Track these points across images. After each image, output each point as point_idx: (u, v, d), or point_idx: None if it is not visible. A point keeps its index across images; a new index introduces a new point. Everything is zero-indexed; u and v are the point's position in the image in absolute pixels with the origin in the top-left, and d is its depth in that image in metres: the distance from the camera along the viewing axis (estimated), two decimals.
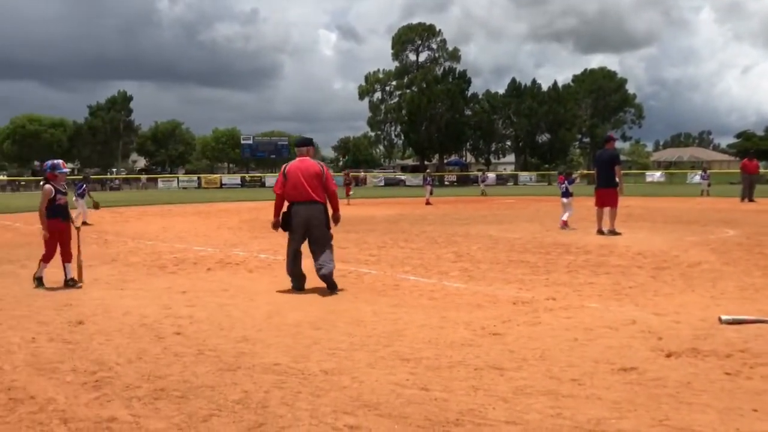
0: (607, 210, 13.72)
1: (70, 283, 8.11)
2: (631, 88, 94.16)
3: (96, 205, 18.30)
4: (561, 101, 78.63)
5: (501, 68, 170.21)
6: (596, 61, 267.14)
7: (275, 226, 8.07)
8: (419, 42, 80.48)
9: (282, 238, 8.43)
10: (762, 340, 5.12)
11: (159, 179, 68.48)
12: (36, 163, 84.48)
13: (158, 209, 27.12)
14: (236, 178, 69.26)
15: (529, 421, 3.51)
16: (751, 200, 26.16)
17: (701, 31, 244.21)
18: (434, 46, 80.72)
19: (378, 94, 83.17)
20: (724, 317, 5.75)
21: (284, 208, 7.96)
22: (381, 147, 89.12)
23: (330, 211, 7.99)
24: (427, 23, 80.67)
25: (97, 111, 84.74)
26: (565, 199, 15.46)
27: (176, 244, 13.11)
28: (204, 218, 20.92)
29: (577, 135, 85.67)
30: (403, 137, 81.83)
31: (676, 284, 7.81)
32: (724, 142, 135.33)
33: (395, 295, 7.37)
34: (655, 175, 66.28)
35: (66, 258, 8.26)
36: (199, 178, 68.25)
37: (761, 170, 40.28)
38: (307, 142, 8.23)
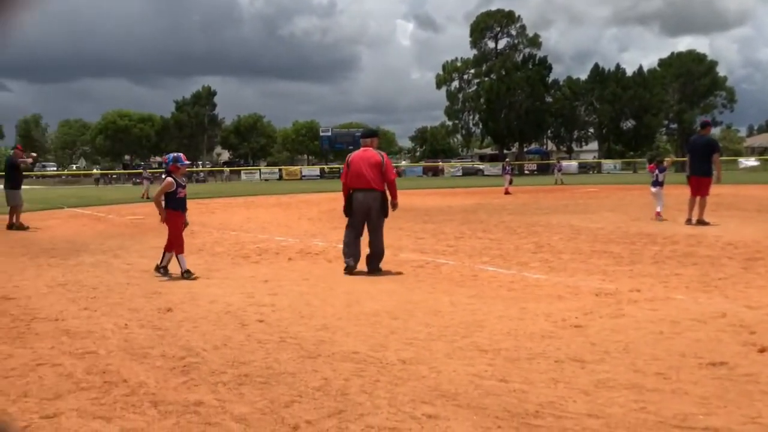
0: (697, 199, 13.14)
1: (185, 275, 8.15)
2: (721, 71, 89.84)
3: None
4: (647, 86, 75.80)
5: (583, 53, 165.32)
6: (684, 43, 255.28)
7: (345, 210, 8.66)
8: (498, 29, 79.29)
9: None
10: None
11: (242, 171, 70.38)
12: (126, 157, 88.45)
13: (242, 200, 27.88)
14: (315, 170, 70.34)
15: (611, 415, 3.43)
16: None
17: None
18: (513, 32, 79.36)
19: (456, 83, 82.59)
20: None
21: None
22: (459, 136, 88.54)
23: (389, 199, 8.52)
24: (506, 9, 79.30)
25: (183, 106, 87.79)
26: (654, 189, 14.74)
27: (259, 234, 13.46)
28: (285, 209, 21.38)
29: (663, 121, 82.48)
30: (481, 126, 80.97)
31: None
32: None
33: (473, 286, 7.33)
34: (749, 162, 63.01)
35: (179, 249, 8.35)
36: (280, 169, 69.72)
37: None
38: (371, 134, 8.95)
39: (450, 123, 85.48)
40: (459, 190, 34.56)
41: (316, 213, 19.42)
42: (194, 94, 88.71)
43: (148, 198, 26.43)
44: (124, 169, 75.12)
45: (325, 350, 4.81)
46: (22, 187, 15.56)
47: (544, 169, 68.45)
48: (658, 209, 14.36)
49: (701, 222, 12.82)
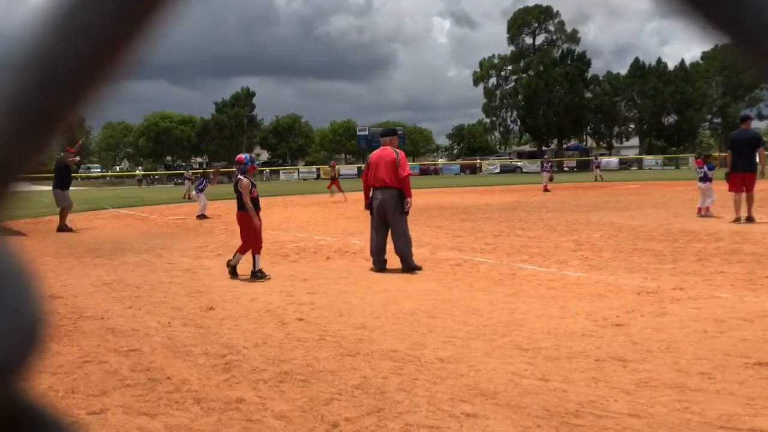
0: (743, 196, 12.78)
1: (258, 275, 8.09)
2: None
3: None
4: (689, 80, 74.11)
5: (623, 48, 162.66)
6: None
7: (367, 208, 8.98)
8: (536, 25, 78.49)
9: None
10: None
11: (281, 171, 71.00)
12: (168, 158, 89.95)
13: (280, 200, 28.14)
14: (353, 169, 70.61)
15: (653, 415, 3.38)
16: None
17: None
18: (551, 28, 78.47)
19: (493, 80, 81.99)
20: None
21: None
22: (496, 133, 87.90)
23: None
24: (544, 5, 78.42)
25: (223, 107, 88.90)
26: (702, 185, 14.35)
27: (297, 233, 13.58)
28: (323, 208, 21.51)
29: (706, 115, 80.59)
30: (519, 123, 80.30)
31: None
32: None
33: (512, 285, 7.28)
34: None
35: (257, 249, 8.27)
36: (318, 169, 70.14)
37: None
38: (390, 133, 9.21)
39: (488, 120, 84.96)
40: (497, 187, 34.32)
41: (354, 212, 19.48)
42: (233, 95, 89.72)
43: (189, 198, 26.87)
44: (166, 169, 76.38)
45: (363, 348, 4.83)
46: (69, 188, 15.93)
47: (583, 166, 67.54)
48: (707, 204, 14.01)
49: (750, 219, 12.49)
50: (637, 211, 16.33)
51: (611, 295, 6.48)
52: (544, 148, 76.23)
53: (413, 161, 79.08)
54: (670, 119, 76.56)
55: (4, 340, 0.25)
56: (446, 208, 19.61)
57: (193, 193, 18.59)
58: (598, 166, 42.56)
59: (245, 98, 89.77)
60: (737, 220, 12.63)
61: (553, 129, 75.62)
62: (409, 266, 8.36)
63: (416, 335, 5.18)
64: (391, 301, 6.53)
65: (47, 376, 4.33)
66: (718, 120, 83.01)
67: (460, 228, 13.49)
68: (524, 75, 77.63)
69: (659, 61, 77.08)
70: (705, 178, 14.25)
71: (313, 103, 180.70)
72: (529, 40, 79.36)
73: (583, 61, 76.40)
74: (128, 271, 8.93)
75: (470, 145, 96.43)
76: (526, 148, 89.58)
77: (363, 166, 9.55)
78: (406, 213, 8.60)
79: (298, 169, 72.84)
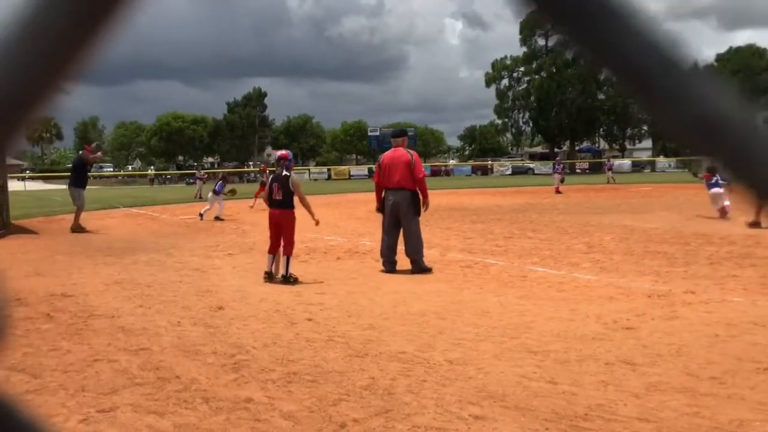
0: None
1: (290, 280, 7.80)
2: None
3: (233, 191, 19.92)
4: None
5: None
6: (743, 37, 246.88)
7: (378, 210, 8.96)
8: (548, 26, 78.22)
9: None
10: None
11: (291, 171, 71.04)
12: (180, 157, 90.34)
13: None
14: (363, 170, 70.58)
15: (663, 419, 3.35)
16: None
17: None
18: None
19: (505, 81, 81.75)
20: None
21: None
22: (508, 135, 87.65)
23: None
24: None
25: (235, 108, 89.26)
26: (713, 190, 14.11)
27: (307, 233, 13.58)
28: (333, 208, 21.54)
29: None
30: (531, 124, 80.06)
31: None
32: None
33: (522, 287, 7.26)
34: None
35: (287, 250, 8.00)
36: (328, 169, 70.21)
37: None
38: (401, 133, 9.18)
39: (500, 121, 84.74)
40: (509, 189, 34.22)
41: (364, 212, 19.49)
42: (245, 95, 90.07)
43: (200, 198, 26.97)
44: (178, 169, 76.71)
45: (372, 349, 4.83)
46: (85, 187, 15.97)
47: (596, 168, 67.21)
48: (723, 204, 13.86)
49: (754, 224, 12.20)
50: (650, 213, 16.24)
51: (622, 298, 6.44)
52: (556, 149, 75.92)
53: (424, 162, 79.00)
54: None
55: None
56: (457, 209, 19.58)
57: (210, 194, 18.74)
58: (610, 168, 42.28)
59: (257, 98, 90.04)
60: (755, 224, 12.23)
61: (566, 131, 75.33)
62: (419, 267, 8.35)
63: (425, 337, 5.18)
64: (400, 302, 6.53)
65: (58, 374, 4.36)
66: None
67: (471, 229, 13.46)
68: (537, 76, 77.40)
69: None
70: (715, 185, 14.05)
71: (324, 104, 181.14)
72: (541, 42, 79.11)
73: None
74: (139, 270, 8.97)
75: (482, 147, 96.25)
76: (538, 149, 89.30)
77: (374, 167, 9.49)
78: (420, 213, 8.60)
79: (308, 170, 72.94)
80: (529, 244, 10.88)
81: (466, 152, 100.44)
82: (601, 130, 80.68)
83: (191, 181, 50.60)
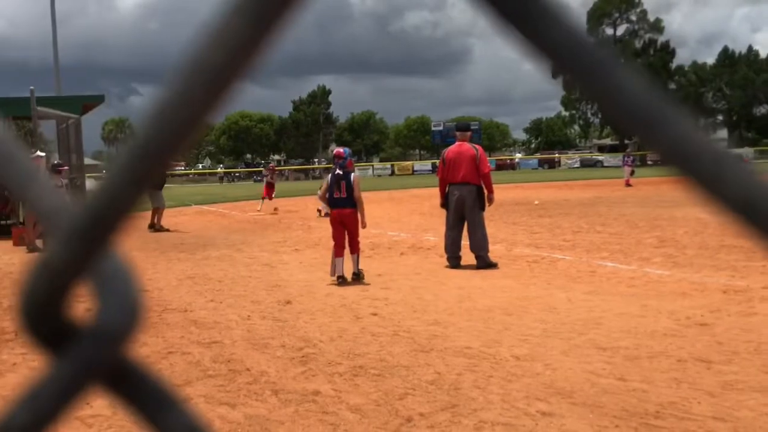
0: None
1: (360, 276, 7.71)
2: None
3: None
4: None
5: (710, 36, 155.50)
6: None
7: (442, 205, 8.90)
8: (617, 15, 76.18)
9: None
10: None
11: (356, 167, 71.61)
12: (248, 155, 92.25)
13: None
14: (427, 165, 70.47)
15: (739, 419, 3.24)
16: None
17: None
18: (633, 18, 75.93)
19: None
20: None
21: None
22: (576, 127, 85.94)
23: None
24: None
25: (300, 105, 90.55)
26: None
27: (372, 229, 13.66)
28: (397, 204, 21.60)
29: None
30: (600, 116, 78.20)
31: None
32: None
33: (591, 282, 7.12)
34: None
35: (354, 249, 7.85)
36: (392, 165, 70.45)
37: None
38: (466, 127, 9.13)
39: (567, 113, 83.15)
40: (576, 182, 33.56)
41: (428, 208, 19.46)
42: (310, 93, 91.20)
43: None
44: (246, 167, 78.35)
45: (437, 345, 4.84)
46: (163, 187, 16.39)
47: None
48: None
49: None
50: None
51: (696, 294, 6.24)
52: (626, 141, 73.87)
53: (489, 156, 78.26)
54: (762, 110, 72.82)
55: (115, 315, 0.31)
56: (523, 203, 19.33)
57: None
58: None
59: (322, 96, 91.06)
60: None
61: None
62: (484, 263, 8.30)
63: (491, 332, 5.15)
64: (465, 298, 6.51)
65: None
66: None
67: (538, 224, 13.27)
68: None
69: (750, 49, 73.44)
70: None
71: (387, 100, 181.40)
72: (610, 31, 77.12)
73: (667, 51, 73.65)
74: (210, 266, 9.24)
75: (548, 139, 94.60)
76: (608, 141, 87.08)
77: (437, 161, 9.44)
78: (485, 208, 8.55)
79: (372, 166, 73.34)
80: (598, 239, 10.65)
81: (532, 145, 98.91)
82: None
83: (259, 178, 51.59)
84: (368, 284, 7.46)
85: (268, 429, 3.42)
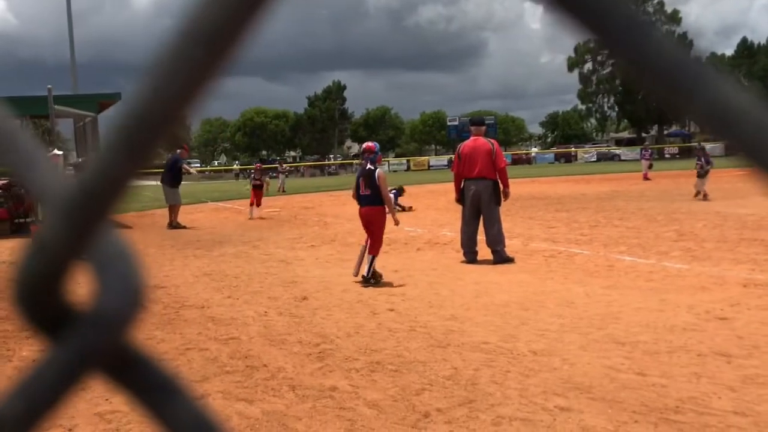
0: None
1: (369, 281, 7.26)
2: None
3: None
4: None
5: (729, 27, 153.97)
6: None
7: (457, 201, 8.87)
8: (634, 6, 75.51)
9: None
10: None
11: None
12: (263, 152, 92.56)
13: None
14: (443, 160, 70.28)
15: (760, 413, 3.19)
16: None
17: None
18: (650, 9, 75.16)
19: (589, 65, 79.44)
20: None
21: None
22: (593, 120, 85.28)
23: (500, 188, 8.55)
24: None
25: (315, 101, 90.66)
26: None
27: (387, 224, 13.67)
28: (413, 199, 21.53)
29: None
30: (617, 109, 77.54)
31: None
32: None
33: (609, 276, 7.06)
34: None
35: (372, 249, 7.48)
36: (408, 160, 70.41)
37: None
38: (481, 122, 9.12)
39: (583, 107, 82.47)
40: (593, 176, 33.30)
41: (444, 203, 19.41)
42: (325, 89, 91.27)
43: (283, 191, 27.58)
44: (262, 164, 78.65)
45: (454, 340, 4.82)
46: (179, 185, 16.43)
47: (687, 153, 64.41)
48: None
49: None
50: (745, 198, 15.45)
51: (715, 288, 6.17)
52: (643, 134, 73.30)
53: (505, 151, 77.97)
54: None
55: (115, 299, 0.31)
56: (539, 198, 19.22)
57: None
58: (703, 160, 40.26)
59: (337, 92, 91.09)
60: None
61: (653, 115, 72.58)
62: (501, 258, 8.25)
63: (508, 327, 5.12)
64: (482, 293, 6.48)
65: None
66: None
67: (554, 218, 13.19)
68: None
69: None
70: None
71: (402, 95, 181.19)
72: None
73: (685, 42, 72.68)
74: (227, 262, 9.27)
75: (564, 133, 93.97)
76: (625, 134, 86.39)
77: (453, 156, 9.35)
78: (501, 203, 8.51)
79: (388, 161, 73.29)
80: (616, 233, 10.57)
81: (549, 139, 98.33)
82: None
83: (274, 175, 51.68)
84: (384, 280, 7.44)
85: (286, 425, 3.42)
